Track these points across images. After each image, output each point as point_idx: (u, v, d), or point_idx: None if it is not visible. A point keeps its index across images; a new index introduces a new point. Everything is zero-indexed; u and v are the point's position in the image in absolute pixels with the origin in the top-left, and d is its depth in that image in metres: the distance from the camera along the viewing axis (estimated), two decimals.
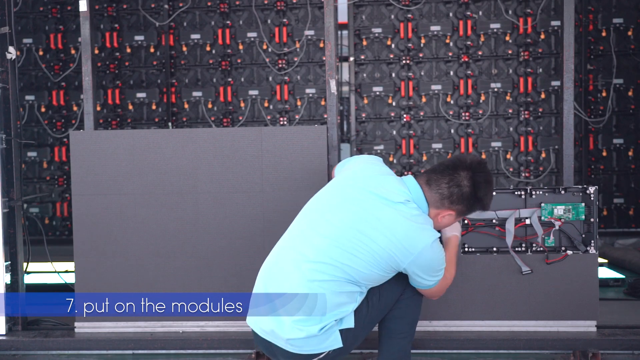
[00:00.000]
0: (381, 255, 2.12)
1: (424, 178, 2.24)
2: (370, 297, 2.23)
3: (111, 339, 3.03)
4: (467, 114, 5.58)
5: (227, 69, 5.74)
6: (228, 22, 5.72)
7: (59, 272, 3.52)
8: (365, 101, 5.68)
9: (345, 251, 2.12)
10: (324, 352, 2.15)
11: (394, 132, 5.71)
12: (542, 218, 2.93)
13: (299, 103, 5.66)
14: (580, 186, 2.94)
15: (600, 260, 4.42)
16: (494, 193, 2.97)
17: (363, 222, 2.13)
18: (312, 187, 3.01)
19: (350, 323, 2.17)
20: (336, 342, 2.15)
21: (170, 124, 5.63)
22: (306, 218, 2.27)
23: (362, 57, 5.66)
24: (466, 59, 5.58)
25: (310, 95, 5.66)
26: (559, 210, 2.93)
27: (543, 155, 5.58)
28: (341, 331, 2.16)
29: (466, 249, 2.98)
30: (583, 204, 2.93)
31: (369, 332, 2.31)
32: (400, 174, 5.55)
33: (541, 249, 2.93)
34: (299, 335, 2.12)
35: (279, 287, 2.17)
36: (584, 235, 2.94)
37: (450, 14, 5.59)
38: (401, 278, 2.26)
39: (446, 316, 2.98)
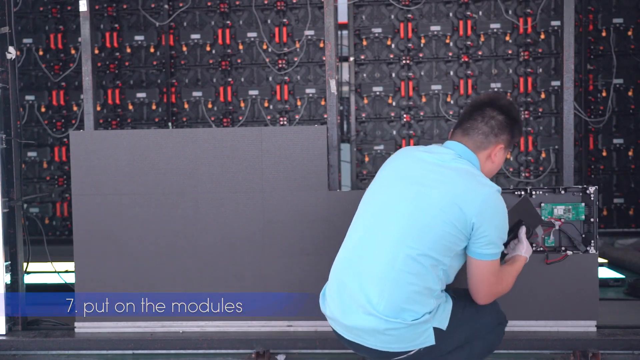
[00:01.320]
0: (445, 204, 2.03)
1: (459, 132, 2.22)
2: (467, 304, 2.18)
3: (111, 339, 3.03)
4: None
5: (227, 69, 5.73)
6: (228, 22, 5.72)
7: (59, 272, 3.52)
8: (365, 101, 5.67)
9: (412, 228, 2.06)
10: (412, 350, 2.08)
11: (394, 132, 5.70)
12: (542, 218, 2.92)
13: (299, 103, 5.66)
14: (580, 186, 2.94)
15: (600, 260, 4.42)
16: None
17: (422, 189, 2.09)
18: (312, 187, 3.02)
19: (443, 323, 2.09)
20: (428, 340, 2.05)
21: (170, 124, 5.62)
22: (363, 222, 2.19)
23: (362, 57, 5.66)
24: (466, 59, 5.57)
25: (310, 95, 5.66)
26: (559, 210, 2.93)
27: (543, 155, 5.58)
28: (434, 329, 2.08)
29: None
30: (583, 204, 2.93)
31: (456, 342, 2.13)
32: None
33: (541, 249, 2.93)
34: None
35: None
36: (584, 235, 2.94)
37: (450, 14, 5.59)
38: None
39: None
